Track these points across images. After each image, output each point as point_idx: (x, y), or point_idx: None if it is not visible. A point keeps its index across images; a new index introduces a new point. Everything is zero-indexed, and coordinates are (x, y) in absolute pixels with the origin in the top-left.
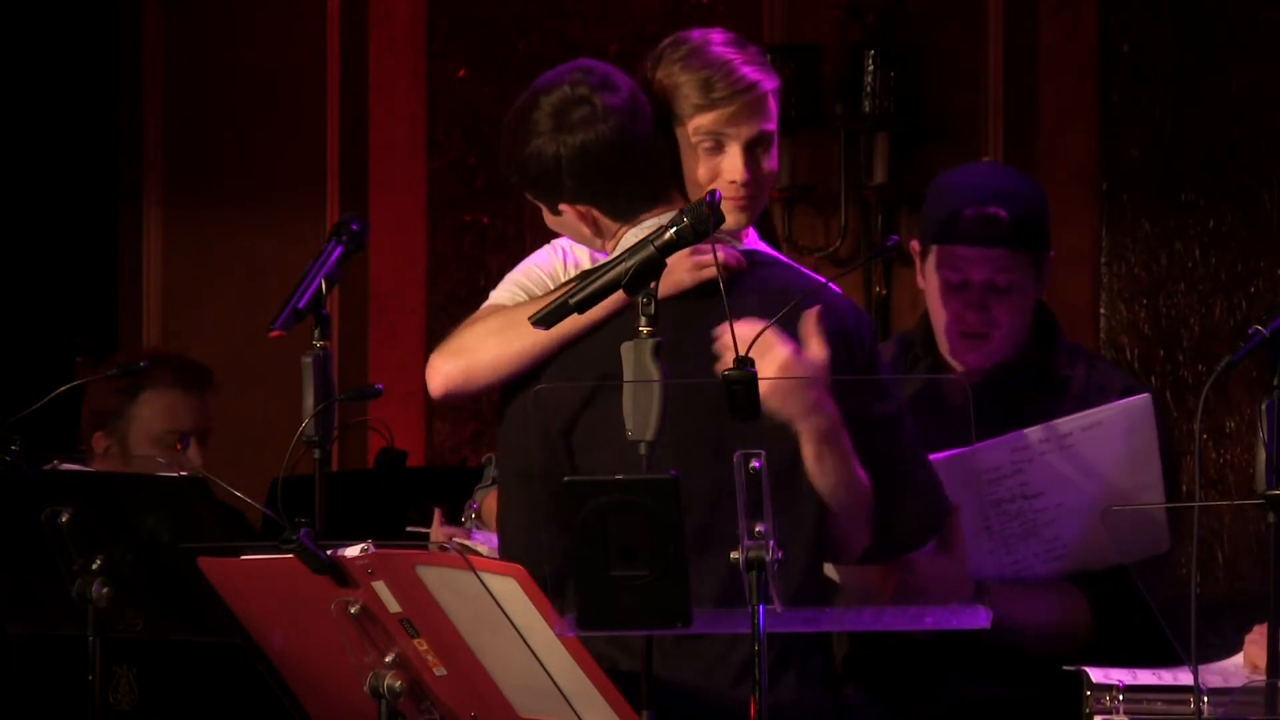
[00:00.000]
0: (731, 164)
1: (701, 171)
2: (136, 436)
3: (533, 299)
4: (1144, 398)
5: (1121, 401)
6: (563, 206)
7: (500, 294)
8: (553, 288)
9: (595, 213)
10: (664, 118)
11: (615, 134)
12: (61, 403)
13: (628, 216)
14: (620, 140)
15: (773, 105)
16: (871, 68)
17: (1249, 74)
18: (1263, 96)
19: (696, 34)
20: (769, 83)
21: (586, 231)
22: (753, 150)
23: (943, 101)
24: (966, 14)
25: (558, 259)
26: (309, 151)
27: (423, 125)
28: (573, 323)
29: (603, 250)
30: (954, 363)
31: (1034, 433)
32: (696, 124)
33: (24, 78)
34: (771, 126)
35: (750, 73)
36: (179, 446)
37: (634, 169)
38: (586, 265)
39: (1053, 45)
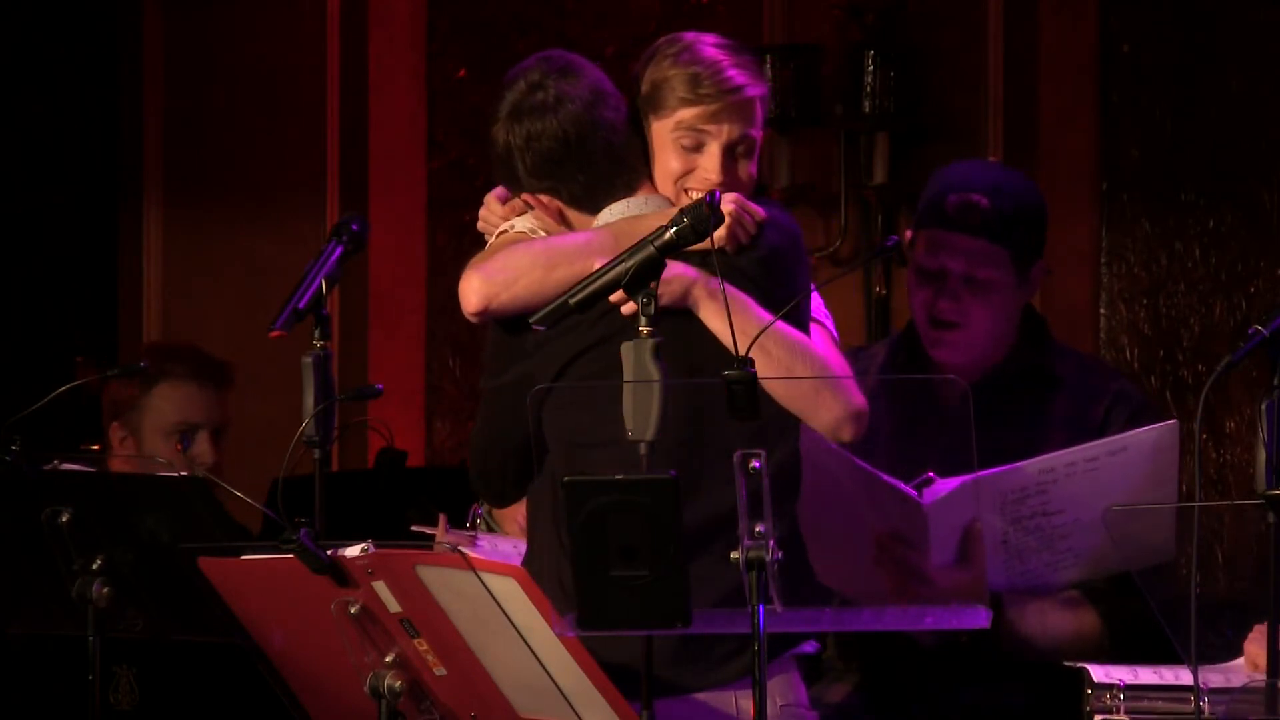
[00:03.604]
0: (709, 162)
1: (676, 165)
2: (150, 428)
3: (557, 235)
4: (1172, 425)
5: (1151, 427)
6: (525, 197)
7: (520, 224)
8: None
9: (558, 204)
10: (645, 110)
11: (568, 122)
12: (61, 403)
13: (590, 205)
14: (573, 128)
15: (758, 112)
16: (871, 68)
17: (1249, 74)
18: (1263, 96)
19: (691, 35)
20: (755, 89)
21: (555, 225)
22: (731, 152)
23: (943, 101)
24: (966, 14)
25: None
26: (309, 151)
27: (423, 125)
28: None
29: None
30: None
31: (1062, 456)
32: (679, 118)
33: (24, 77)
34: (755, 133)
35: (738, 76)
36: (179, 446)
37: (589, 157)
38: None
39: (1053, 45)
